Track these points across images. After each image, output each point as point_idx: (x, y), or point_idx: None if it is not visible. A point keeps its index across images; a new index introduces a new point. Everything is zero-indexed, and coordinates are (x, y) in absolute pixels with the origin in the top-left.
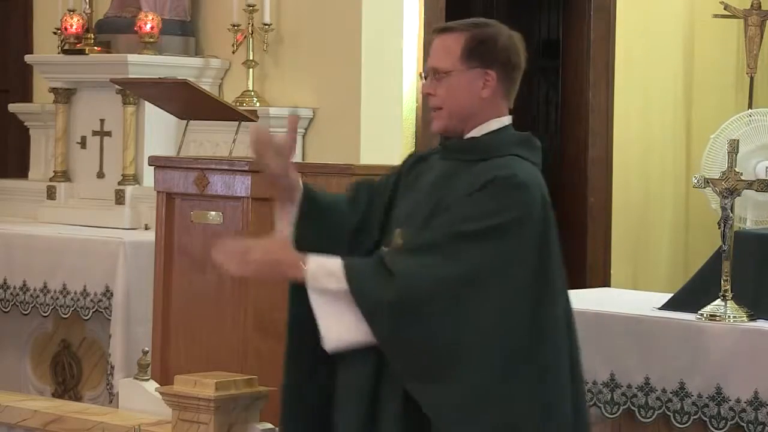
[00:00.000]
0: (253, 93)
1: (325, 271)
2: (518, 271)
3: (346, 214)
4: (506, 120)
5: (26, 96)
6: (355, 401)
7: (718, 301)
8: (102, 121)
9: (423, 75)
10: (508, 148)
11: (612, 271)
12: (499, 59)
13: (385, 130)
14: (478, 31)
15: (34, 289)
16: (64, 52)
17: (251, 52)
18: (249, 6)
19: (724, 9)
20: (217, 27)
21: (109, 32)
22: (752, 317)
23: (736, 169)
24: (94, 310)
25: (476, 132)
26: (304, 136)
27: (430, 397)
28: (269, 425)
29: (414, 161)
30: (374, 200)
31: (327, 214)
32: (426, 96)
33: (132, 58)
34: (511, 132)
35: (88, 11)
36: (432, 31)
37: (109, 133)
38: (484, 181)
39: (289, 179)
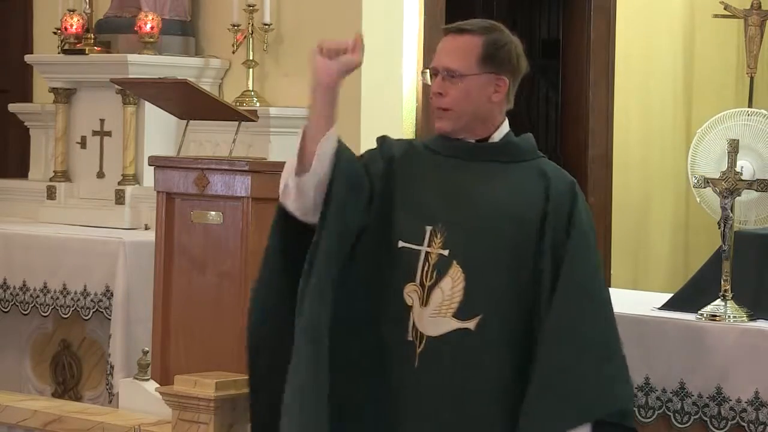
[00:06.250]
0: (253, 93)
1: None
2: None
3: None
4: (507, 122)
5: (26, 96)
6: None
7: (718, 301)
8: (102, 121)
9: (431, 72)
10: (534, 151)
11: (612, 271)
12: (512, 66)
13: (385, 130)
14: (495, 36)
15: (34, 289)
16: (64, 52)
17: (251, 52)
18: (249, 6)
19: (724, 9)
20: (217, 27)
21: (109, 32)
22: (752, 317)
23: (736, 169)
24: (94, 310)
25: (497, 134)
26: None
27: None
28: None
29: (403, 151)
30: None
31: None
32: (433, 94)
33: (132, 58)
34: (524, 134)
35: (88, 11)
36: (445, 29)
37: (109, 133)
38: (568, 194)
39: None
